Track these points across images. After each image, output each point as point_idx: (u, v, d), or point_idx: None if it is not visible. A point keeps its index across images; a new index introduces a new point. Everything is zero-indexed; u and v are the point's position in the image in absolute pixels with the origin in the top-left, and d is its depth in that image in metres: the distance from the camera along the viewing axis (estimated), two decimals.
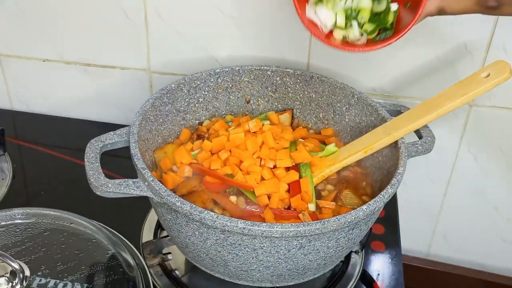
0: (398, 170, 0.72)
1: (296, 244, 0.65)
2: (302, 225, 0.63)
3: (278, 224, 0.63)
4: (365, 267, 0.87)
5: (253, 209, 0.74)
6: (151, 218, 0.90)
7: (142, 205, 0.88)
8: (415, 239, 1.17)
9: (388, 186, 0.69)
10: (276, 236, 0.63)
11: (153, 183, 0.67)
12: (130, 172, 0.74)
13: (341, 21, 0.71)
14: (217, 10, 0.98)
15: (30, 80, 1.14)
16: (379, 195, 0.67)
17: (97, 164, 0.71)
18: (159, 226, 0.89)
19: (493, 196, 1.09)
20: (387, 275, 0.86)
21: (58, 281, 0.72)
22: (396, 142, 0.77)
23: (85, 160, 0.71)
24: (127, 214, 0.91)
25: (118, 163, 0.91)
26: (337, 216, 0.64)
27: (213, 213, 0.63)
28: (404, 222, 0.98)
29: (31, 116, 1.18)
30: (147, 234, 0.88)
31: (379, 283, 0.85)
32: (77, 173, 1.00)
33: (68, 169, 1.03)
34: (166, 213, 0.70)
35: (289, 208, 0.75)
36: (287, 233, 0.63)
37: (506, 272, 1.17)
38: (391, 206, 0.97)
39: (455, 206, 1.12)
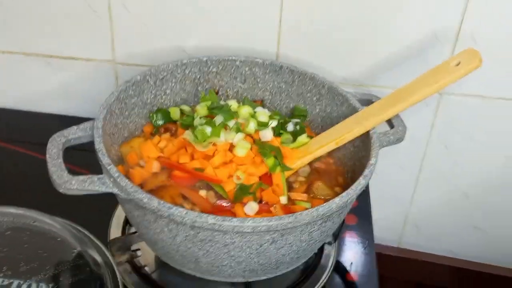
0: (370, 161, 0.71)
1: (268, 239, 0.64)
2: (274, 219, 0.61)
3: (250, 218, 0.61)
4: (339, 258, 0.86)
5: (223, 204, 0.72)
6: (119, 214, 0.88)
7: (109, 200, 0.85)
8: (387, 228, 1.17)
9: (361, 178, 0.68)
10: (248, 231, 0.61)
11: (119, 179, 0.64)
12: (95, 166, 0.71)
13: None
14: (184, 0, 0.95)
15: None
16: (352, 186, 0.66)
17: (59, 160, 0.68)
18: (127, 222, 0.87)
19: (464, 184, 1.10)
20: (360, 265, 0.86)
21: (21, 281, 0.69)
22: (367, 132, 0.76)
23: (47, 156, 0.68)
24: (93, 210, 0.88)
25: (83, 156, 0.88)
26: (310, 209, 0.63)
27: (182, 209, 0.61)
28: (376, 211, 0.97)
29: None
30: (115, 231, 0.85)
31: (352, 273, 0.84)
32: (40, 169, 0.96)
33: (30, 164, 0.99)
34: (133, 210, 0.68)
35: (260, 202, 0.73)
36: (259, 228, 0.61)
37: (478, 259, 1.18)
38: (363, 196, 0.96)
39: (426, 194, 1.12)
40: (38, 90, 1.11)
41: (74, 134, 0.72)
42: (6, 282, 0.69)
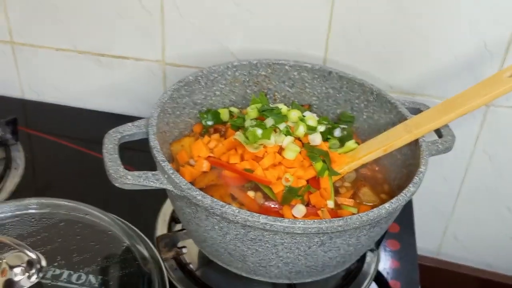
0: (420, 169, 0.71)
1: (317, 241, 0.64)
2: (324, 222, 0.62)
3: (301, 220, 0.62)
4: (380, 266, 0.86)
5: (271, 205, 0.73)
6: (165, 211, 0.90)
7: (155, 198, 0.88)
8: (425, 238, 1.16)
9: (410, 185, 0.68)
10: (298, 232, 0.62)
11: (173, 176, 0.66)
12: (143, 165, 0.73)
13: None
14: (231, 2, 0.97)
15: (43, 69, 1.13)
16: (402, 193, 0.67)
17: (115, 155, 0.70)
18: (173, 219, 0.88)
19: (507, 197, 1.08)
20: (402, 274, 0.86)
21: (72, 272, 0.71)
22: (416, 141, 0.76)
23: (104, 151, 0.70)
24: (140, 207, 0.90)
25: (131, 156, 0.90)
26: (360, 214, 0.63)
27: (235, 208, 0.62)
28: (416, 221, 0.97)
29: (42, 105, 1.17)
30: (161, 228, 0.87)
31: (394, 281, 0.84)
32: (89, 164, 1.00)
33: (80, 159, 1.02)
34: (185, 207, 0.69)
35: (308, 205, 0.74)
36: (309, 230, 0.62)
37: None
38: (407, 204, 0.96)
39: (468, 205, 1.11)
40: (88, 87, 1.14)
41: (129, 131, 0.74)
42: (58, 271, 0.71)
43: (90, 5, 1.03)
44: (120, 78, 1.12)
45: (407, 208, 0.96)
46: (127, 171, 0.68)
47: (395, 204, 0.65)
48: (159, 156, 0.69)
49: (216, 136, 0.83)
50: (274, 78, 0.90)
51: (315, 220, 0.62)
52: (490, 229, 1.14)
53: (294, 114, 0.82)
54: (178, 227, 0.87)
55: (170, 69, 1.08)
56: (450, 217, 1.14)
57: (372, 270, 0.84)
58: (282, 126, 0.78)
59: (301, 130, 0.79)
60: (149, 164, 0.71)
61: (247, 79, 0.90)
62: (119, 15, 1.03)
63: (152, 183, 0.67)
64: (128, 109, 1.14)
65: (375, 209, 0.64)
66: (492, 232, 1.15)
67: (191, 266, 0.82)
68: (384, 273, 0.85)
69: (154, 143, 0.71)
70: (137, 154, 0.82)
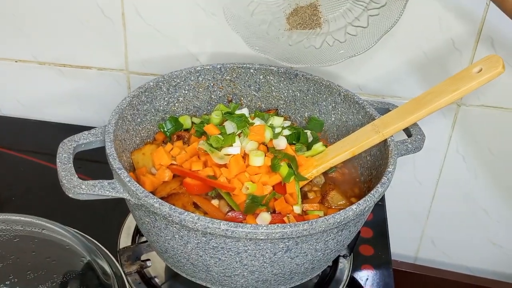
0: (388, 169, 0.68)
1: (283, 247, 0.61)
2: (288, 226, 0.59)
3: (263, 225, 0.59)
4: (354, 272, 0.83)
5: (235, 215, 0.70)
6: (129, 224, 0.86)
7: (119, 209, 0.84)
8: (402, 243, 1.14)
9: (378, 185, 0.66)
10: (261, 238, 0.59)
11: (129, 184, 0.63)
12: (108, 177, 0.70)
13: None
14: (197, 7, 0.94)
15: (2, 82, 1.09)
16: (369, 194, 0.64)
17: (69, 164, 0.66)
18: (137, 232, 0.85)
19: (482, 198, 1.07)
20: (376, 280, 0.83)
21: None
22: (385, 141, 0.74)
23: (57, 160, 0.67)
24: (103, 219, 0.87)
25: (95, 168, 0.86)
26: (326, 217, 0.60)
27: (194, 215, 0.59)
28: (391, 226, 0.94)
29: (2, 119, 1.13)
30: (124, 240, 0.83)
31: None
32: (51, 178, 0.95)
33: (41, 174, 0.98)
34: (144, 216, 0.66)
35: (273, 212, 0.71)
36: (273, 235, 0.59)
37: (496, 276, 1.15)
38: (379, 208, 0.94)
39: (443, 208, 1.09)
40: (50, 99, 1.10)
41: (85, 139, 0.71)
42: None
43: (50, 14, 1.00)
44: (83, 89, 1.08)
45: (380, 212, 0.93)
46: (81, 180, 0.64)
47: (362, 205, 0.63)
48: (115, 163, 0.66)
49: (179, 143, 0.80)
50: (239, 82, 0.88)
51: (279, 225, 0.59)
52: (468, 233, 1.12)
53: (258, 122, 0.79)
54: (142, 239, 0.83)
55: (135, 77, 1.05)
56: (426, 221, 1.12)
57: (345, 277, 0.81)
58: (245, 131, 0.76)
59: (267, 135, 0.76)
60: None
61: (211, 84, 0.87)
62: (81, 24, 1.00)
63: (107, 192, 0.64)
64: (93, 120, 1.10)
65: (341, 211, 0.61)
66: (470, 235, 1.13)
67: (156, 280, 0.78)
68: (358, 279, 0.82)
69: (110, 150, 0.68)
70: (103, 167, 0.78)
